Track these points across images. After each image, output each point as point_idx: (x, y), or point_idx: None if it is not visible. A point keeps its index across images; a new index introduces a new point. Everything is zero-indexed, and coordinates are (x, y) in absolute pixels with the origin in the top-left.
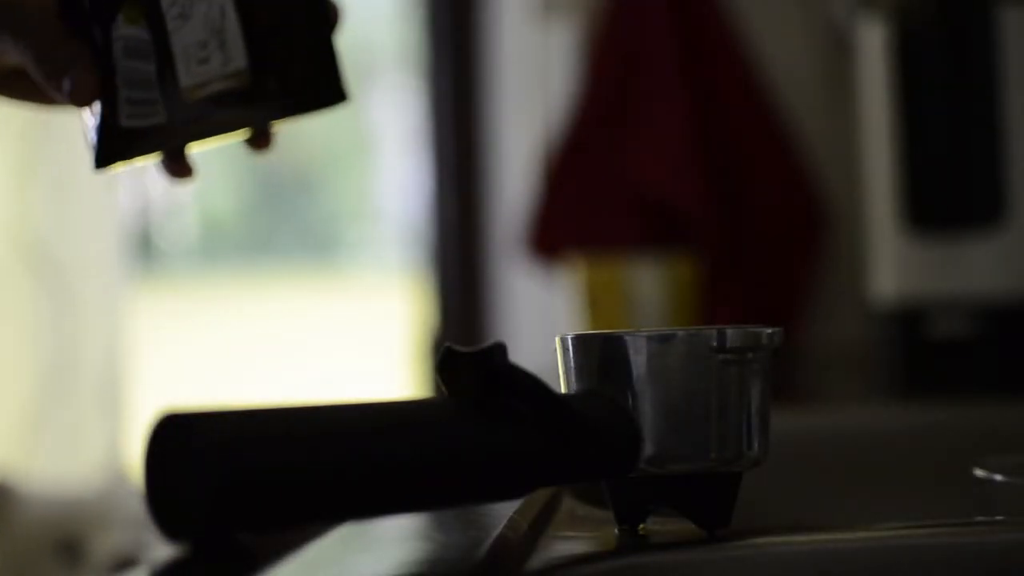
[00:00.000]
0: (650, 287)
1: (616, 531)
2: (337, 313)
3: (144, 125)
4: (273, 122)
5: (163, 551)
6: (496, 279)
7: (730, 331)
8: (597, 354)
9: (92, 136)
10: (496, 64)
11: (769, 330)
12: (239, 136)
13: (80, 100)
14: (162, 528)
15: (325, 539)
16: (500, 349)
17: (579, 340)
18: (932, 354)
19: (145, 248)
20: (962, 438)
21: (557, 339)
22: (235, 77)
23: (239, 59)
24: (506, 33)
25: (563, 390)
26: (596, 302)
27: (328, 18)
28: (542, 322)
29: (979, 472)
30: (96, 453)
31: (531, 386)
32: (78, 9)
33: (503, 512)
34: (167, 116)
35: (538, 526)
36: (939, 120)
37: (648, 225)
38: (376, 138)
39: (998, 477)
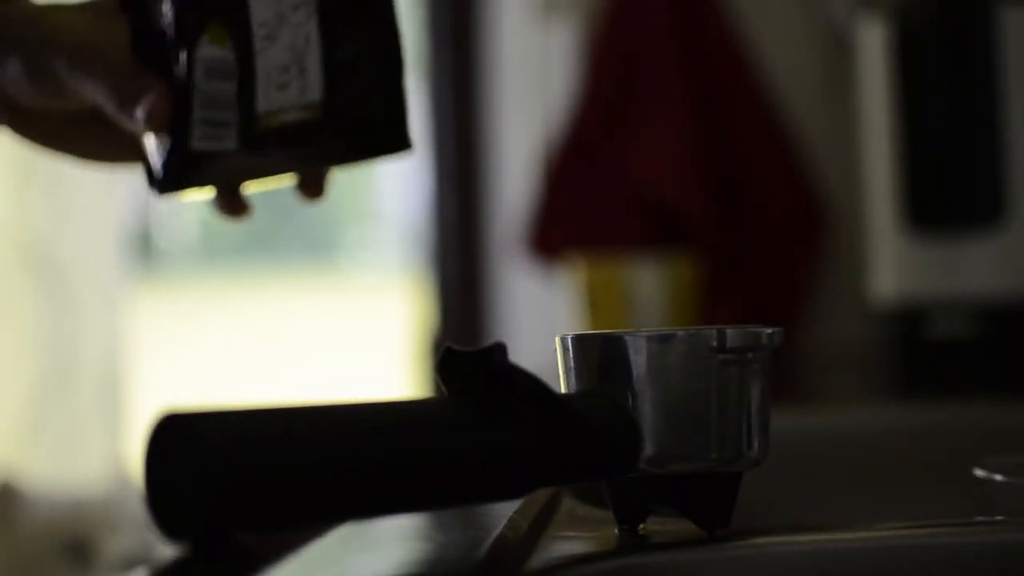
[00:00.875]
0: (650, 287)
1: (616, 531)
2: (337, 313)
3: (213, 149)
4: (335, 165)
5: (167, 552)
6: (496, 279)
7: (730, 331)
8: (597, 354)
9: (156, 162)
10: (496, 64)
11: (769, 330)
12: (292, 180)
13: (154, 124)
14: (162, 528)
15: (325, 539)
16: (500, 349)
17: (579, 340)
18: (932, 354)
19: (145, 248)
20: (962, 438)
21: (557, 339)
22: (309, 109)
23: (316, 91)
24: (506, 33)
25: (563, 390)
26: (596, 302)
27: (404, 63)
28: (542, 322)
29: (979, 472)
30: (96, 453)
31: (531, 386)
32: (151, 40)
33: (503, 512)
34: (237, 142)
35: (538, 526)
36: (939, 120)
37: (648, 225)
38: None
39: (998, 477)
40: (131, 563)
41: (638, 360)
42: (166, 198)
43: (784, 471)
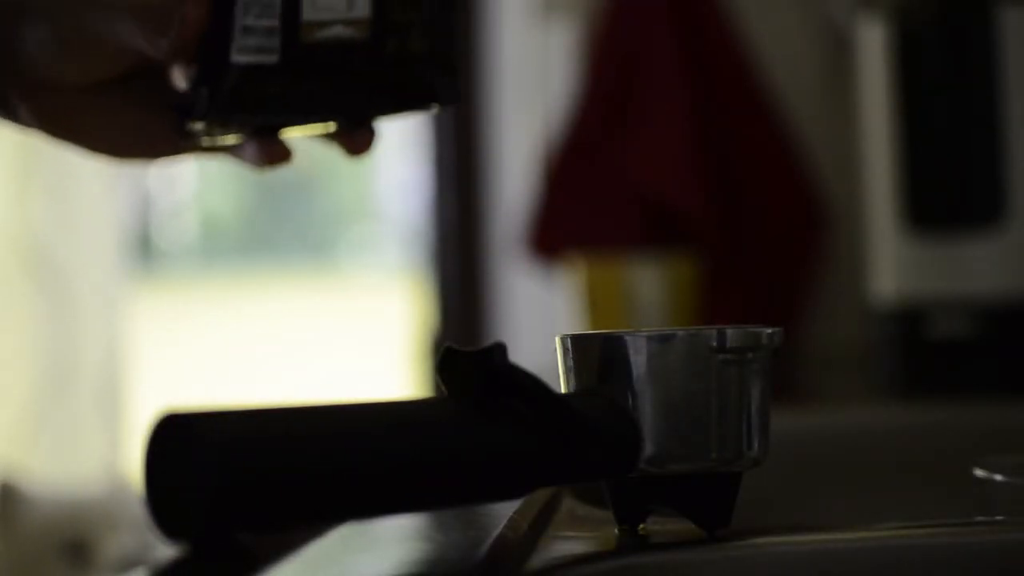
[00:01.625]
0: (650, 287)
1: (616, 531)
2: (337, 313)
3: (255, 62)
4: (377, 109)
5: (167, 552)
6: (496, 279)
7: (730, 331)
8: (597, 354)
9: (192, 93)
10: (496, 64)
11: (769, 330)
12: (337, 125)
13: (190, 28)
14: (162, 528)
15: (325, 539)
16: (500, 349)
17: (579, 340)
18: (932, 354)
19: (145, 248)
20: (962, 438)
21: (557, 339)
22: (356, 25)
23: (363, 6)
24: (506, 33)
25: (563, 390)
26: (596, 302)
27: (454, 5)
28: (542, 322)
29: (979, 472)
30: (96, 453)
31: (531, 386)
32: None
33: (503, 512)
34: (280, 57)
35: (538, 526)
36: (939, 120)
37: (648, 225)
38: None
39: (998, 477)
40: (131, 563)
41: (638, 360)
42: (207, 138)
43: (784, 471)
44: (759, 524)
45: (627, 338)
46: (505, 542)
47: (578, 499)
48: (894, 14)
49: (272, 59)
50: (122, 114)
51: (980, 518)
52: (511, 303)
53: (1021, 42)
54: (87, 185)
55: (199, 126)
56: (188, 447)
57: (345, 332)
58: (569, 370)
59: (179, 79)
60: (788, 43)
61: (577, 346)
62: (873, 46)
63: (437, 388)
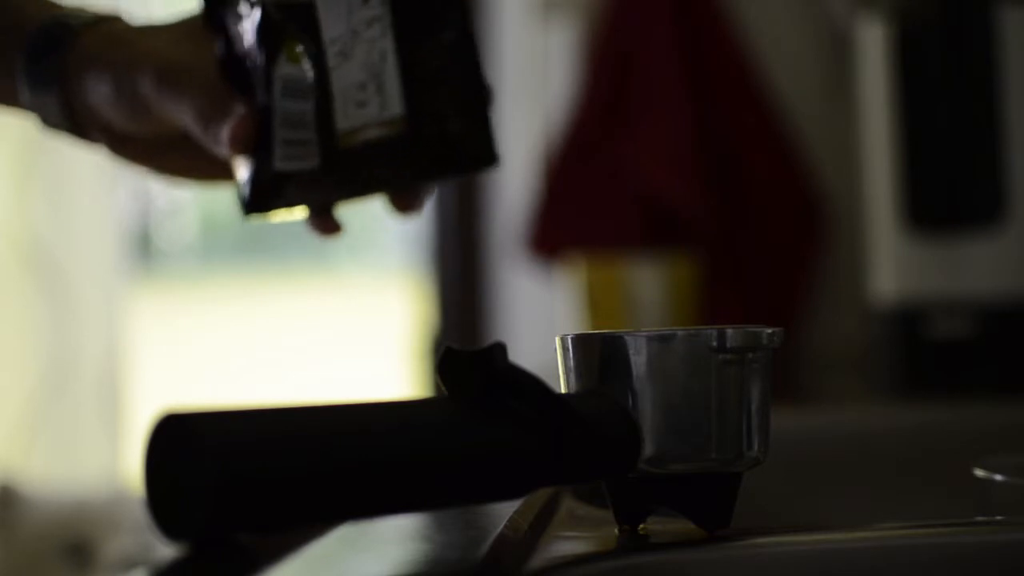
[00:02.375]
0: (650, 287)
1: (616, 531)
2: (337, 313)
3: (297, 168)
4: (423, 181)
5: (167, 552)
6: (496, 279)
7: (730, 331)
8: (597, 354)
9: (243, 184)
10: (496, 64)
11: (769, 330)
12: (386, 194)
13: (236, 145)
14: (162, 528)
15: (325, 539)
16: (500, 349)
17: (579, 340)
18: (932, 354)
19: (144, 248)
20: (962, 438)
21: (557, 339)
22: (391, 124)
23: (396, 106)
24: (506, 33)
25: (563, 390)
26: (596, 302)
27: (484, 75)
28: (542, 322)
29: (979, 472)
30: (95, 453)
31: (531, 386)
32: (237, 61)
33: (503, 512)
34: (320, 161)
35: (538, 526)
36: (939, 120)
37: (648, 225)
38: None
39: (998, 477)
40: (131, 564)
41: (638, 360)
42: (254, 219)
43: (784, 471)
44: (759, 524)
45: (627, 338)
46: (505, 542)
47: (578, 499)
48: (894, 14)
49: (313, 164)
50: (197, 151)
51: (980, 518)
52: (511, 303)
53: (1021, 42)
54: (87, 185)
55: (245, 216)
56: (188, 447)
57: (345, 332)
58: (569, 370)
59: (238, 174)
60: (788, 43)
61: (577, 346)
62: (873, 46)
63: (437, 388)
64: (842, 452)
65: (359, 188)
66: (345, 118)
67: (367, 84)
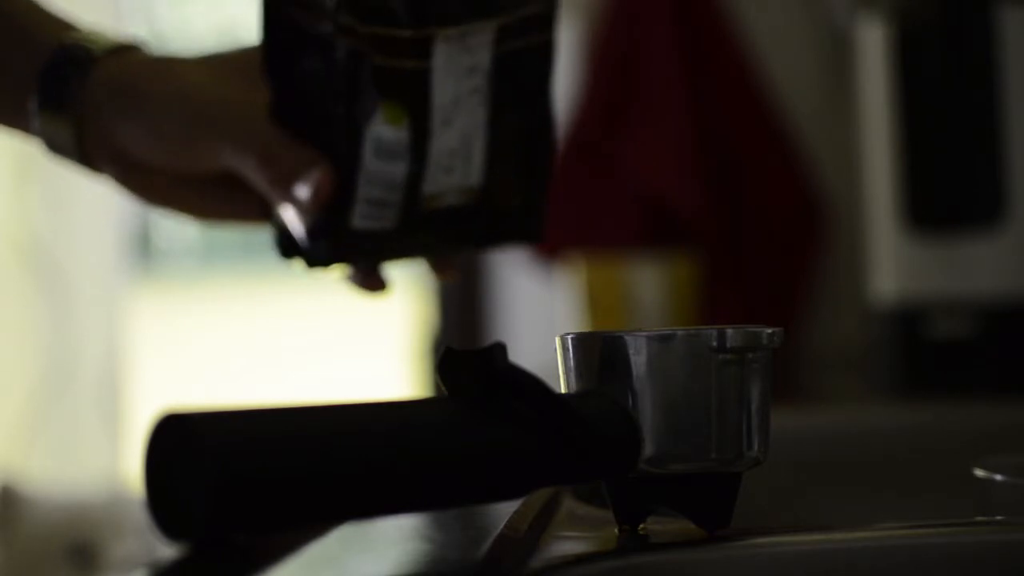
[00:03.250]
0: (650, 287)
1: (616, 531)
2: (337, 313)
3: (373, 228)
4: (476, 249)
5: (167, 553)
6: (496, 279)
7: (730, 331)
8: (597, 354)
9: (304, 235)
10: None
11: (769, 330)
12: (426, 259)
13: (319, 205)
14: (162, 528)
15: (325, 539)
16: (500, 349)
17: (579, 340)
18: (932, 354)
19: (145, 248)
20: (962, 438)
21: (557, 339)
22: (468, 193)
23: (476, 176)
24: None
25: (563, 390)
26: (596, 302)
27: (553, 153)
28: (542, 322)
29: (979, 472)
30: (95, 453)
31: (531, 386)
32: (296, 108)
33: (503, 512)
34: (396, 222)
35: (538, 526)
36: (939, 120)
37: (648, 225)
38: None
39: (998, 477)
40: (132, 564)
41: (638, 360)
42: (313, 272)
43: (784, 471)
44: (759, 524)
45: (627, 338)
46: (505, 542)
47: (578, 499)
48: (894, 14)
49: (388, 225)
50: (228, 191)
51: (980, 518)
52: (511, 303)
53: (1021, 42)
54: (87, 185)
55: (306, 268)
56: (188, 447)
57: (345, 332)
58: (569, 370)
59: (292, 222)
60: (788, 43)
61: (577, 346)
62: (873, 46)
63: (437, 388)
64: (842, 452)
65: (418, 250)
66: (433, 183)
67: (458, 152)
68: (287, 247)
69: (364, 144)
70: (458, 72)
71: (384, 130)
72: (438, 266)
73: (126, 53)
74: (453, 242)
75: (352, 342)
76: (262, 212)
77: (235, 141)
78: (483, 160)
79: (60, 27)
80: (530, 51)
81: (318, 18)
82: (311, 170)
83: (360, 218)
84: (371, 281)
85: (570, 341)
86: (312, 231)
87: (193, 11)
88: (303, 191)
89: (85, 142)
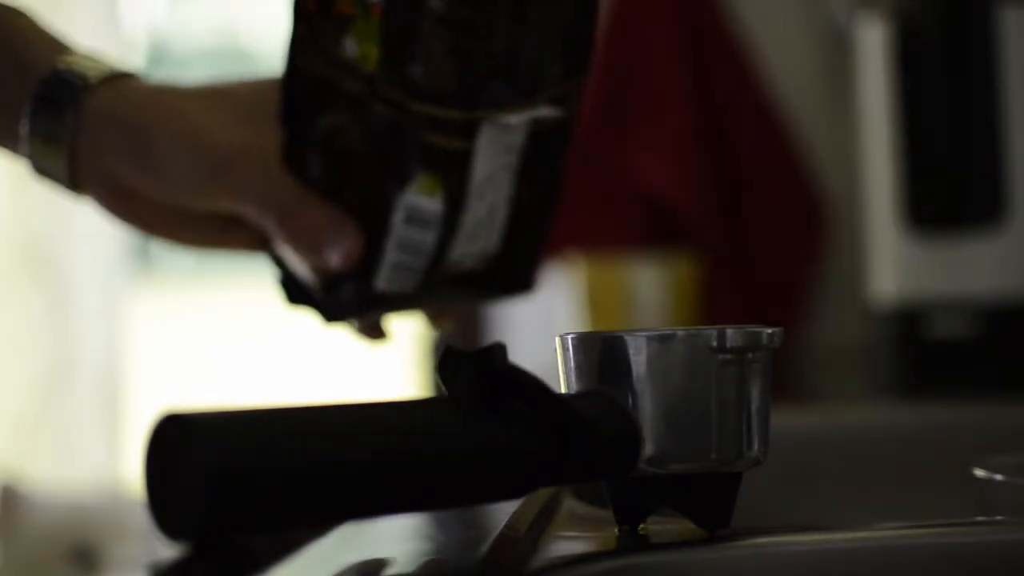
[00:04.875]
0: (650, 287)
1: (616, 531)
2: None
3: (395, 289)
4: (470, 303)
5: (167, 553)
6: None
7: (730, 331)
8: (597, 354)
9: (321, 289)
10: None
11: (769, 330)
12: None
13: (346, 267)
14: (162, 529)
15: (325, 539)
16: (500, 349)
17: (579, 340)
18: (932, 354)
19: (144, 248)
20: (962, 438)
21: (557, 339)
22: (485, 259)
23: (495, 243)
24: None
25: (563, 390)
26: (596, 302)
27: (554, 215)
28: (542, 322)
29: (979, 472)
30: (95, 453)
31: (531, 386)
32: (309, 158)
33: (503, 512)
34: (418, 286)
35: (538, 526)
36: (939, 120)
37: (648, 225)
38: None
39: (998, 477)
40: (132, 565)
41: (638, 360)
42: (329, 326)
43: (784, 471)
44: (759, 524)
45: (627, 338)
46: (505, 542)
47: (578, 499)
48: (894, 14)
49: (411, 287)
50: (200, 225)
51: (980, 518)
52: (511, 303)
53: (1021, 42)
54: None
55: (319, 321)
56: (188, 448)
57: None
58: (569, 370)
59: (305, 274)
60: (788, 43)
61: (577, 346)
62: (873, 46)
63: (437, 388)
64: (842, 452)
65: (424, 305)
66: (458, 251)
67: (484, 221)
68: (294, 293)
69: (396, 211)
70: (496, 150)
71: (417, 198)
72: (436, 315)
73: (122, 81)
74: (462, 301)
75: (352, 342)
76: (258, 244)
77: (255, 193)
78: (503, 228)
79: (55, 49)
80: (556, 126)
81: (347, 75)
82: (340, 233)
83: (385, 281)
84: (373, 331)
85: (570, 341)
86: (330, 286)
87: (193, 11)
88: (332, 255)
89: (78, 172)
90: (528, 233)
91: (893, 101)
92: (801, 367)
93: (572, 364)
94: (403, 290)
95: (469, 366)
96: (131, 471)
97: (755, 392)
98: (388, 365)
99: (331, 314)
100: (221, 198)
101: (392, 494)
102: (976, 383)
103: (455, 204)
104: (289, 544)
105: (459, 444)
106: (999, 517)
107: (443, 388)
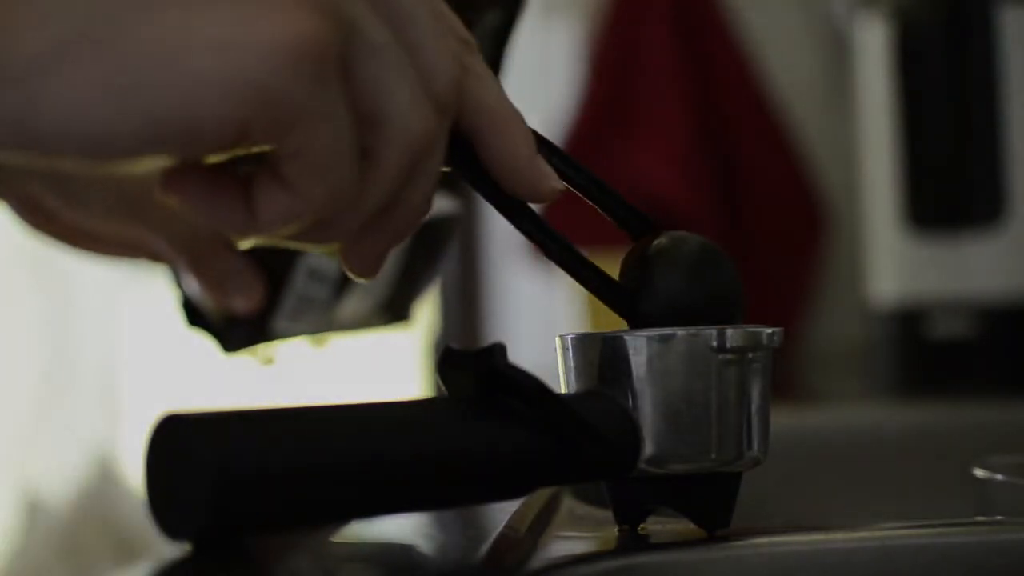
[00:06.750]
0: None
1: (616, 531)
2: None
3: (288, 332)
4: (353, 331)
5: (167, 553)
6: (496, 279)
7: (730, 331)
8: (597, 354)
9: (219, 321)
10: None
11: (769, 330)
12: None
13: (245, 310)
14: (162, 528)
15: (326, 539)
16: (500, 349)
17: (579, 340)
18: (932, 354)
19: None
20: (962, 438)
21: (557, 339)
22: (375, 310)
23: (385, 294)
24: None
25: (563, 390)
26: (596, 302)
27: (444, 261)
28: (542, 322)
29: (979, 472)
30: (95, 453)
31: (531, 386)
32: None
33: (503, 512)
34: (313, 327)
35: (538, 526)
36: (939, 120)
37: None
38: None
39: (998, 477)
40: (130, 564)
41: (638, 360)
42: (225, 356)
43: (784, 471)
44: (759, 524)
45: (627, 338)
46: (505, 542)
47: (578, 499)
48: (894, 14)
49: (305, 329)
50: (108, 244)
51: (980, 518)
52: (511, 303)
53: (1021, 42)
54: None
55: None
56: (188, 448)
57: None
58: (569, 370)
59: (208, 306)
60: (788, 43)
61: (577, 346)
62: (873, 46)
63: (437, 388)
64: (842, 452)
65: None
66: (350, 303)
67: (377, 280)
68: (194, 318)
69: (299, 270)
70: None
71: (320, 261)
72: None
73: None
74: (346, 332)
75: (352, 342)
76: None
77: (170, 233)
78: (394, 284)
79: None
80: (448, 219)
81: None
82: (246, 282)
83: (280, 323)
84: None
85: (570, 341)
86: (229, 322)
87: None
88: (236, 300)
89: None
90: (417, 282)
91: (893, 101)
92: (801, 367)
93: (572, 364)
94: (297, 330)
95: (469, 366)
96: (131, 470)
97: (755, 392)
98: (388, 365)
99: (227, 345)
100: (138, 231)
101: (392, 494)
102: (976, 383)
103: None
104: (289, 544)
105: (459, 444)
106: (999, 517)
107: (443, 388)
